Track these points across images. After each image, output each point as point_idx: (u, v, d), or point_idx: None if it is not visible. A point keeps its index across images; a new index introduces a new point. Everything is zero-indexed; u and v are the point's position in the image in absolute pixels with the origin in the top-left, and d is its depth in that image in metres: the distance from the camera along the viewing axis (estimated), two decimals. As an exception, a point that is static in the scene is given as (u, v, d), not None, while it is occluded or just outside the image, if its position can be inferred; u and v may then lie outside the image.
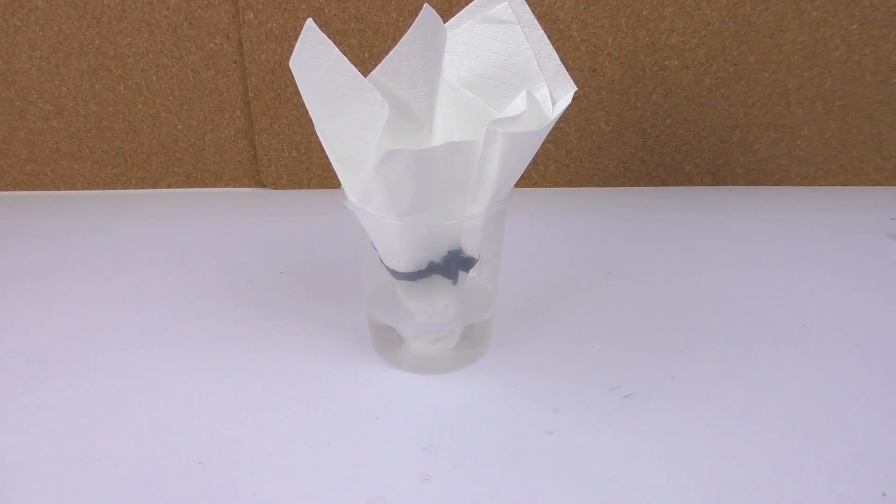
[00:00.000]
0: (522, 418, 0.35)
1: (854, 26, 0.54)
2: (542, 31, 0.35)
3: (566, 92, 0.34)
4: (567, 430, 0.34)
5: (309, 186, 0.62)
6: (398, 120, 0.33)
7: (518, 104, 0.34)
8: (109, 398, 0.37)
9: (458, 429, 0.34)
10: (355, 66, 0.31)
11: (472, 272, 0.37)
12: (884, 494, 0.30)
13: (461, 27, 0.36)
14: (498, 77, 0.35)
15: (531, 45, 0.34)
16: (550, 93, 0.34)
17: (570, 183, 0.61)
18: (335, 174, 0.35)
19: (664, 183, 0.61)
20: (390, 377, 0.38)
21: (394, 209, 0.33)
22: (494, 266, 0.38)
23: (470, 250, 0.35)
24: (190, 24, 0.56)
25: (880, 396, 0.36)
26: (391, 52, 0.31)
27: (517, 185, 0.38)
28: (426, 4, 0.31)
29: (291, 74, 0.33)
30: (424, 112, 0.33)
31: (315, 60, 0.31)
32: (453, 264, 0.35)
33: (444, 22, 0.36)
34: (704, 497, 0.30)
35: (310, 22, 0.30)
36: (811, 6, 0.53)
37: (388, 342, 0.39)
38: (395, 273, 0.36)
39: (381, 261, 0.36)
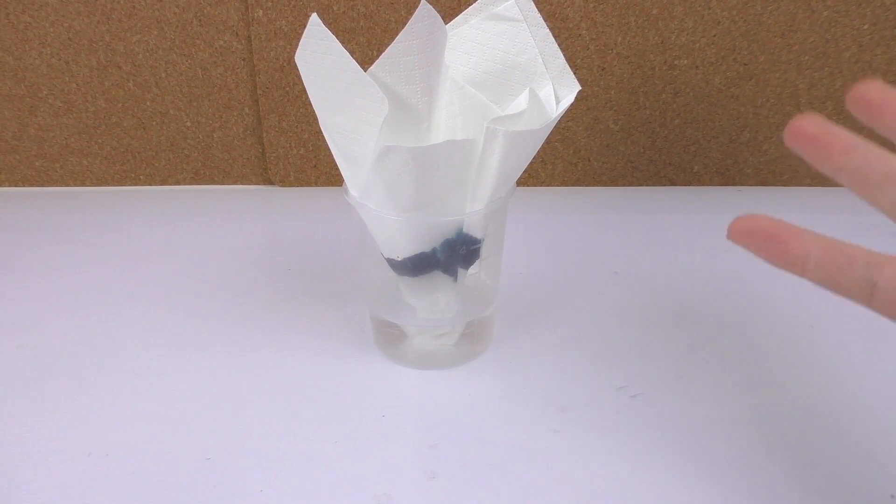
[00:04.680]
0: (529, 417, 0.35)
1: (865, 26, 0.54)
2: (548, 30, 0.35)
3: (570, 91, 0.34)
4: (574, 429, 0.34)
5: (317, 184, 0.62)
6: (396, 115, 0.33)
7: (520, 102, 0.34)
8: (117, 394, 0.37)
9: (464, 427, 0.34)
10: (363, 64, 0.31)
11: (473, 269, 0.37)
12: (892, 496, 0.30)
13: (468, 24, 0.36)
14: (503, 74, 0.35)
15: (537, 44, 0.35)
16: (555, 91, 0.34)
17: (577, 182, 0.61)
18: (342, 171, 0.36)
19: (672, 183, 0.61)
20: (397, 375, 0.38)
21: (393, 205, 0.33)
22: (496, 263, 0.39)
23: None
24: (199, 21, 0.56)
25: (889, 397, 0.36)
26: (388, 48, 0.31)
27: (525, 183, 0.38)
28: (423, 0, 0.31)
29: (300, 72, 0.33)
30: (423, 108, 0.34)
31: (319, 55, 0.31)
32: (454, 261, 0.35)
33: (452, 19, 0.36)
34: (711, 497, 0.30)
35: (314, 17, 0.30)
36: (822, 6, 0.53)
37: (389, 338, 0.39)
38: (394, 265, 0.36)
39: (382, 253, 0.36)
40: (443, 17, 0.32)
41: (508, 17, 0.35)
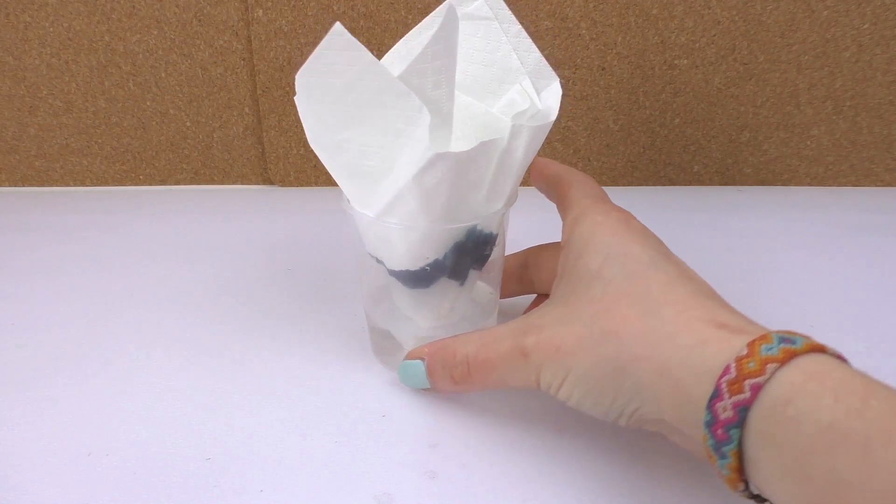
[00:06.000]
0: (531, 416, 0.35)
1: (865, 26, 0.54)
2: (520, 26, 0.35)
3: (549, 83, 0.34)
4: (576, 429, 0.34)
5: (317, 184, 0.62)
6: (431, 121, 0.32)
7: (516, 99, 0.34)
8: (117, 394, 0.37)
9: (465, 426, 0.34)
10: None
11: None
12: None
13: (437, 26, 0.36)
14: (479, 73, 0.35)
15: (510, 40, 0.34)
16: (534, 84, 0.35)
17: (577, 182, 0.61)
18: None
19: (672, 182, 0.61)
20: (397, 375, 0.38)
21: (425, 216, 0.31)
22: (497, 272, 0.38)
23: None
24: (199, 21, 0.56)
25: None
26: (418, 53, 0.30)
27: (525, 183, 0.38)
28: (449, 2, 0.30)
29: (297, 89, 0.31)
30: (447, 112, 0.33)
31: (338, 67, 0.29)
32: (463, 264, 0.35)
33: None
34: (713, 498, 0.30)
35: (338, 26, 0.29)
36: (822, 5, 0.53)
37: (386, 348, 0.38)
38: (398, 275, 0.35)
39: (386, 267, 0.35)
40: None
41: (479, 16, 0.35)
